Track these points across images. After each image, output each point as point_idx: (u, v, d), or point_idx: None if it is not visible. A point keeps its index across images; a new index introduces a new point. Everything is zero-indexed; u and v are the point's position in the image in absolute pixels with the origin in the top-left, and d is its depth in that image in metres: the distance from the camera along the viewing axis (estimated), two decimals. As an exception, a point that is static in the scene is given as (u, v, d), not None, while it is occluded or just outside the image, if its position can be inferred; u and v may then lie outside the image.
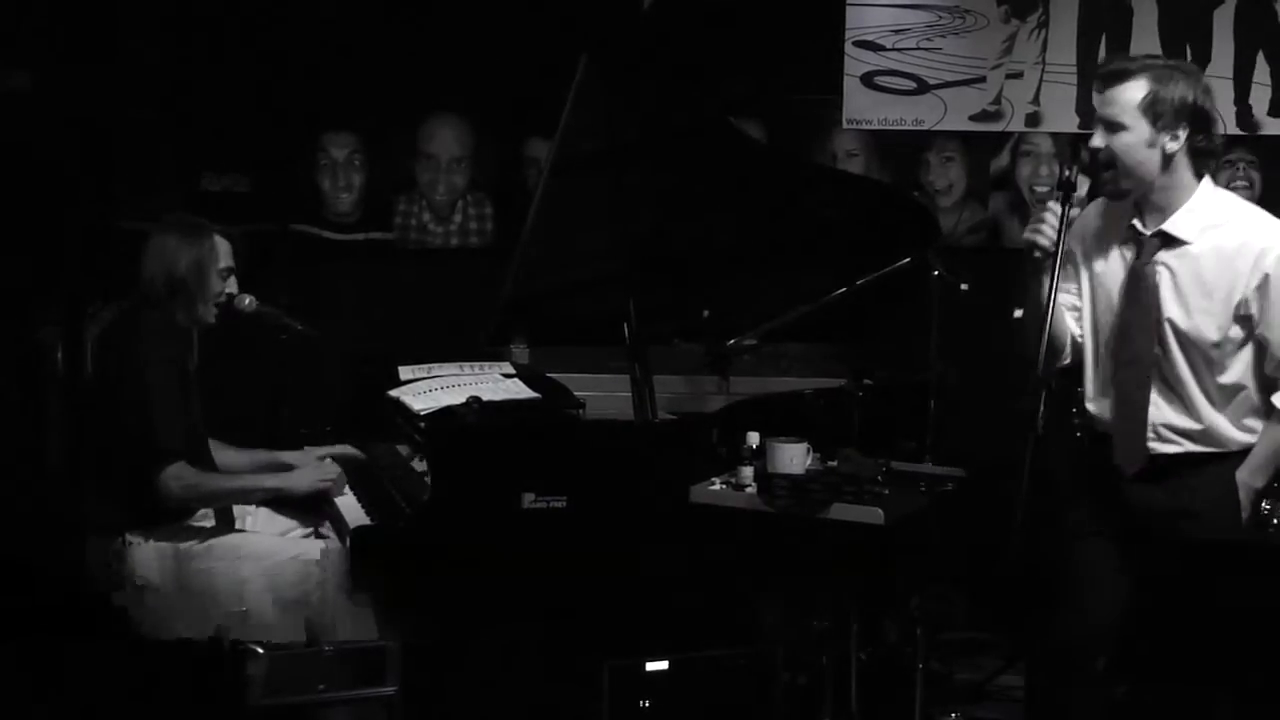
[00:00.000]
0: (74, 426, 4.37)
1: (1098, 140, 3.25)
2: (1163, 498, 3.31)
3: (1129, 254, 3.34)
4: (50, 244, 5.09)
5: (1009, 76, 5.68)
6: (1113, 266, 3.33)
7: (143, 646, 3.95)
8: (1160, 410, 3.31)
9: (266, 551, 4.10)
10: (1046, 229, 3.18)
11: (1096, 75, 3.29)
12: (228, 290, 4.17)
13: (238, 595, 4.06)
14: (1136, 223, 3.32)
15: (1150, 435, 3.32)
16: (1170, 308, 3.29)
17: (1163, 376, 3.32)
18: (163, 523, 4.04)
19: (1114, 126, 3.24)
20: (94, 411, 4.08)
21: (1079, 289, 3.43)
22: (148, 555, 3.98)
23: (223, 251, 4.16)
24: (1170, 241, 3.29)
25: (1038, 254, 3.19)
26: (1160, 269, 3.29)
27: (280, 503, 4.33)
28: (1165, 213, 3.29)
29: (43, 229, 5.11)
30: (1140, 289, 3.29)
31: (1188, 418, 3.31)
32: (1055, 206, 3.18)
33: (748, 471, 3.69)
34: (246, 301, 4.25)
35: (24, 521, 4.86)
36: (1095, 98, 3.27)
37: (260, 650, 3.65)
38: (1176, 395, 3.31)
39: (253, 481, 4.18)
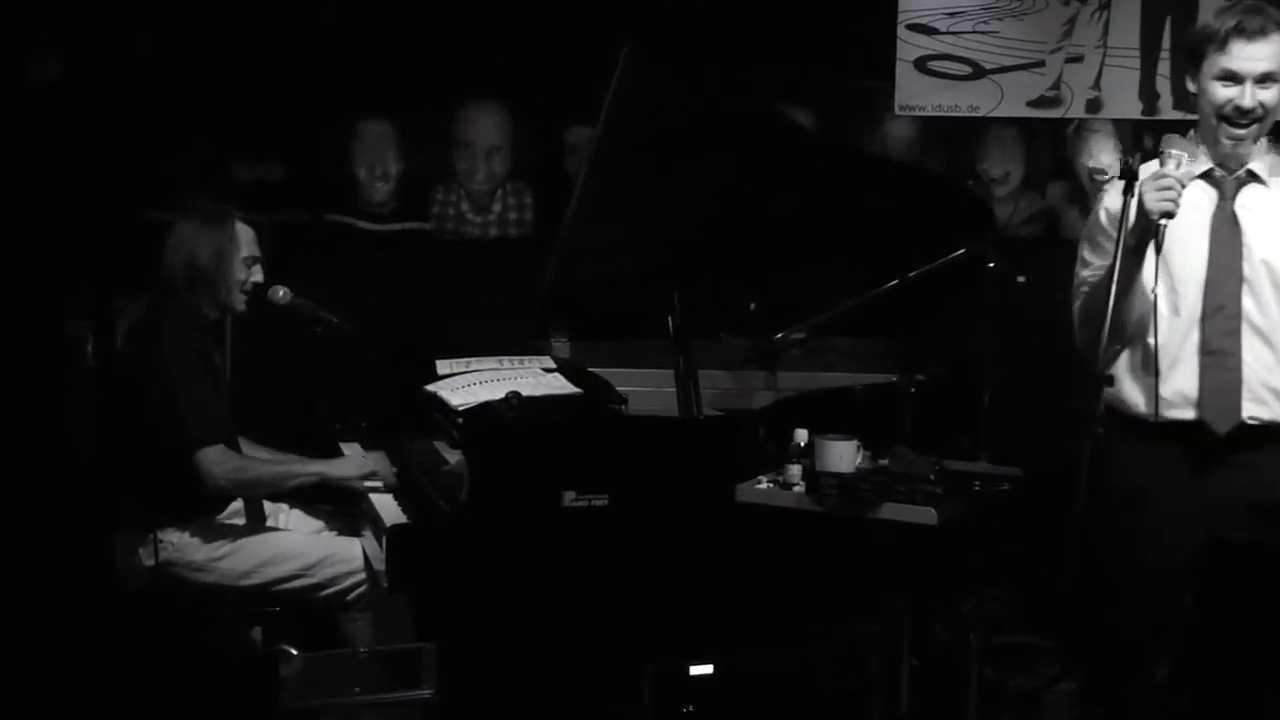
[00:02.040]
0: (104, 422, 4.42)
1: (1248, 99, 3.29)
2: (1248, 484, 3.31)
3: (1207, 199, 3.36)
4: (80, 235, 5.14)
5: (1069, 60, 5.67)
6: (1187, 217, 3.32)
7: (175, 647, 4.01)
8: (1253, 368, 3.33)
9: (300, 551, 4.14)
10: (1175, 194, 3.18)
11: (1233, 30, 3.29)
12: (254, 279, 4.20)
13: (270, 595, 4.12)
14: (1215, 168, 3.37)
15: (1245, 394, 3.32)
16: (1265, 248, 3.34)
17: (1255, 328, 3.34)
18: (194, 518, 4.08)
19: (1267, 79, 3.30)
20: (123, 406, 4.12)
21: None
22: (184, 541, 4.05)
23: (246, 239, 4.19)
24: (1252, 181, 3.38)
25: (1165, 222, 3.20)
26: (1243, 211, 3.37)
27: (314, 500, 4.37)
28: (1243, 156, 3.37)
29: (72, 220, 5.16)
30: (1229, 228, 3.34)
31: None
32: (1172, 169, 3.20)
33: (795, 470, 3.69)
34: (280, 294, 4.28)
35: (53, 520, 4.91)
36: (1235, 51, 3.28)
37: (294, 652, 3.68)
38: (1270, 345, 3.33)
39: (298, 465, 4.21)
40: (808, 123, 5.48)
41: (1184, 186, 3.20)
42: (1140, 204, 3.19)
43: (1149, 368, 3.34)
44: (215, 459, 3.99)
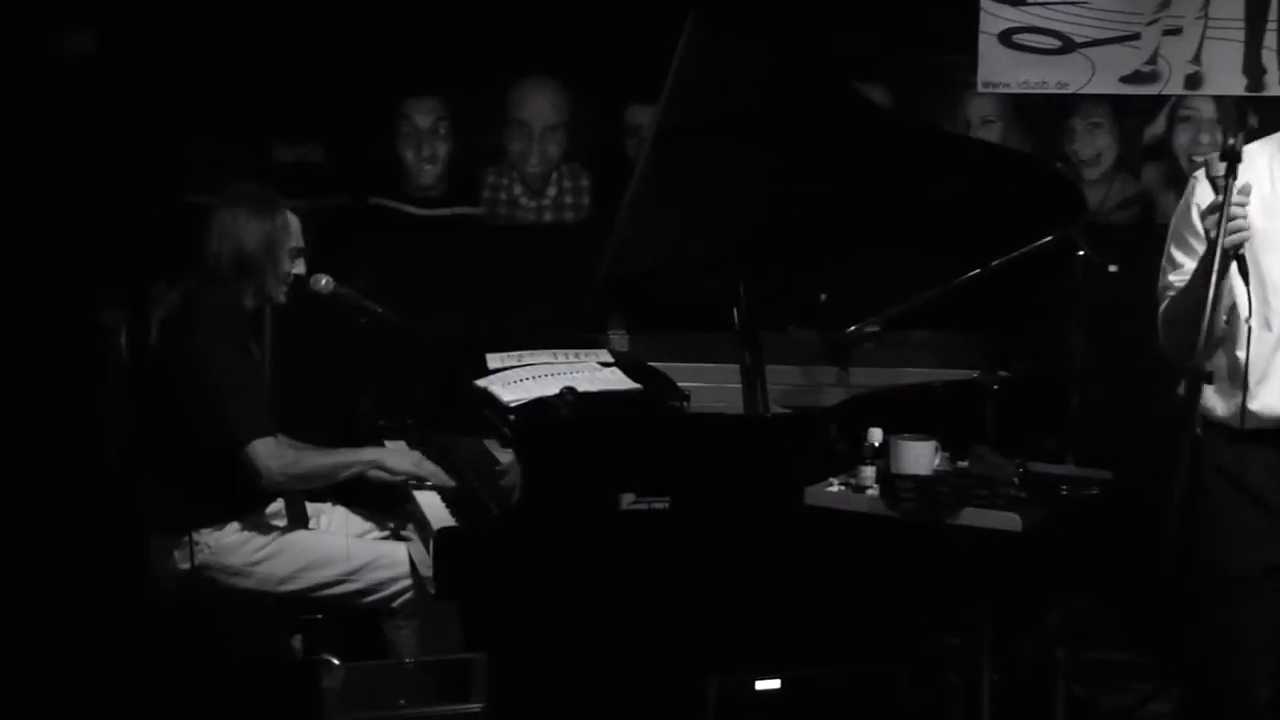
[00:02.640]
0: (137, 417, 4.46)
1: None
2: None
3: None
4: (112, 219, 5.17)
5: (1166, 33, 5.61)
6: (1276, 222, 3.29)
7: (210, 655, 4.04)
8: None
9: (343, 555, 4.16)
10: (1241, 221, 3.14)
11: None
12: (296, 270, 4.22)
13: (312, 601, 4.15)
14: None
15: None
16: None
17: None
18: (233, 519, 4.11)
19: None
20: (158, 400, 4.15)
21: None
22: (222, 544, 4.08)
23: (294, 230, 4.21)
24: None
25: (1242, 252, 3.16)
26: None
27: (358, 501, 4.40)
28: None
29: (103, 203, 5.19)
30: None
31: None
32: (1238, 198, 3.15)
33: (869, 472, 3.69)
34: (323, 282, 4.29)
35: (83, 522, 4.96)
36: None
37: (336, 662, 3.71)
38: None
39: (349, 455, 4.22)
40: (884, 100, 5.47)
41: (1246, 200, 3.15)
42: (1208, 237, 3.16)
43: (1236, 380, 3.30)
44: (269, 452, 4.02)
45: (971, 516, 3.53)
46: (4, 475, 4.91)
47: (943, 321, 4.56)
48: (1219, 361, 3.35)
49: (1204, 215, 3.18)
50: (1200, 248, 3.25)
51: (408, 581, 4.13)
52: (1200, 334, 3.01)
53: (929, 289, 4.34)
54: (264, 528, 4.16)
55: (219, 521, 4.11)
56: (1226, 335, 3.31)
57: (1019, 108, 5.80)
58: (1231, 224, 3.10)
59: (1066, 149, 5.78)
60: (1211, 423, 3.35)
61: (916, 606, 4.14)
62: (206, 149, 5.43)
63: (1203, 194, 3.31)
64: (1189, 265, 3.33)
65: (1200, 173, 3.33)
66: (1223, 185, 3.12)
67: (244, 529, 4.13)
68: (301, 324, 4.52)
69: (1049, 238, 4.26)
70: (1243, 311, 3.24)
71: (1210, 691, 3.47)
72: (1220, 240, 3.08)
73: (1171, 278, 3.40)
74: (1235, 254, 3.12)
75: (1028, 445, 3.89)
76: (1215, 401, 3.36)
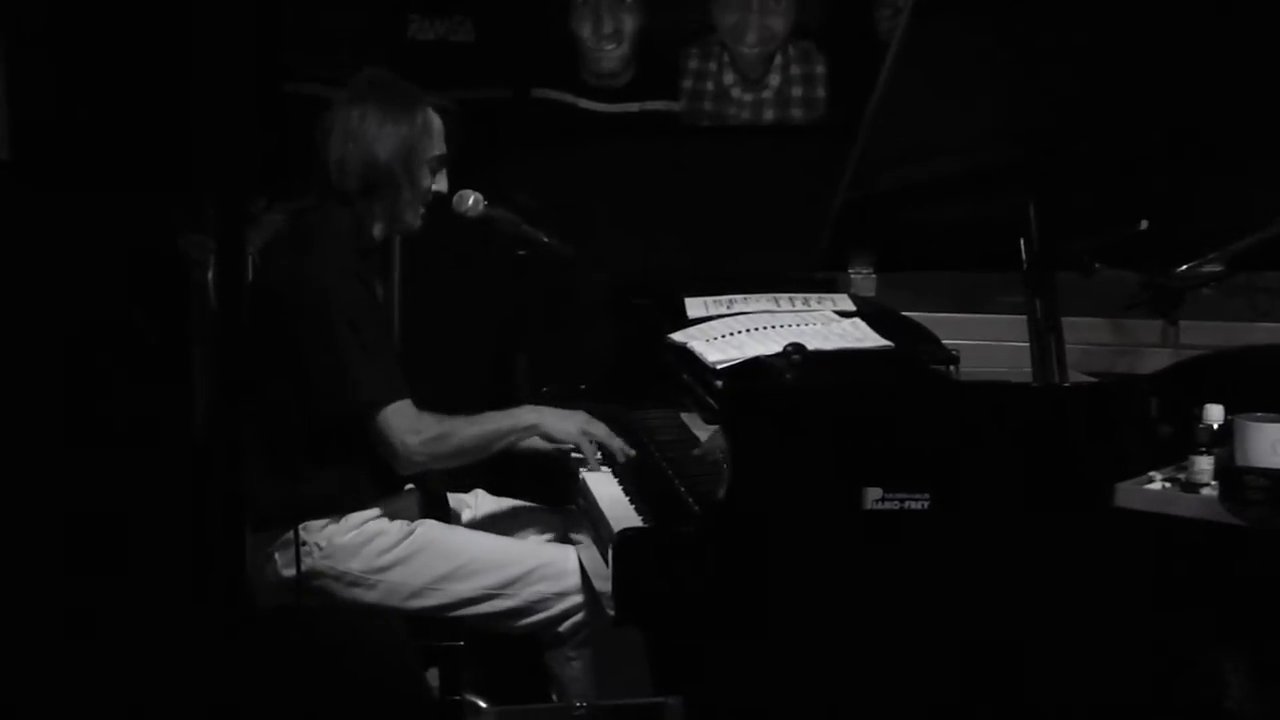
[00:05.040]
0: (229, 377, 4.50)
1: None
2: None
3: None
4: (195, 116, 5.23)
5: None
6: None
7: (319, 691, 4.08)
8: None
9: (495, 560, 4.20)
10: None
11: None
12: (437, 187, 4.25)
13: (453, 622, 4.16)
14: None
15: None
16: None
17: None
18: (355, 509, 4.14)
19: None
20: (261, 355, 4.17)
21: None
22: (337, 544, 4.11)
23: (436, 133, 4.24)
24: None
25: None
26: None
27: (514, 491, 4.41)
28: None
29: (185, 95, 5.25)
30: None
31: None
32: None
33: (1204, 463, 3.63)
34: (469, 201, 4.33)
35: (167, 513, 5.04)
36: None
37: (484, 704, 3.73)
38: None
39: (504, 419, 4.23)
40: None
41: None
42: None
43: None
44: (407, 424, 4.06)
45: (1350, 529, 3.43)
46: (64, 455, 5.00)
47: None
48: None
49: None
50: None
51: (579, 598, 4.16)
52: None
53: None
54: (392, 524, 4.20)
55: (335, 513, 4.17)
56: None
57: None
58: None
59: None
60: None
61: (1268, 649, 4.03)
62: (323, 23, 5.47)
63: None
64: None
65: None
66: None
67: (367, 524, 4.18)
68: (441, 257, 4.54)
69: None
70: None
71: None
72: None
73: None
74: None
75: None
76: None
